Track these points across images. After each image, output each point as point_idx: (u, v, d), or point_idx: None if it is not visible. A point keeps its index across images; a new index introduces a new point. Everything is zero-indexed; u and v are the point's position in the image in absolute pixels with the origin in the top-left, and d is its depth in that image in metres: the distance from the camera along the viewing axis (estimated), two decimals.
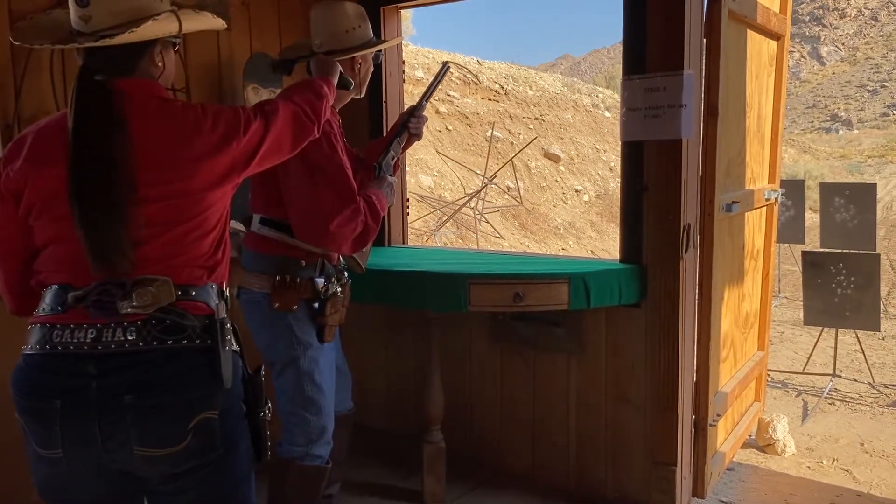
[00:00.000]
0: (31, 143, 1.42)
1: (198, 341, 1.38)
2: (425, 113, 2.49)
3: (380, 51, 2.42)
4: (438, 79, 2.55)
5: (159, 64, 1.47)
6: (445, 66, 2.57)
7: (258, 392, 1.50)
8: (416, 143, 2.54)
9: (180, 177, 1.38)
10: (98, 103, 1.36)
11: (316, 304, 2.14)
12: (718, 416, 2.84)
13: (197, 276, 1.42)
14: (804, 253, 4.56)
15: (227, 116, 1.45)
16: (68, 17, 1.41)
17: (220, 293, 1.48)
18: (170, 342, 1.36)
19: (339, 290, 2.19)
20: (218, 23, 1.54)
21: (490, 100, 12.50)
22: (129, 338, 1.33)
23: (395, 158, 2.40)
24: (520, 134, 12.26)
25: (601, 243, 11.29)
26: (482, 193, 9.69)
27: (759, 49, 3.06)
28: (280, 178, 2.02)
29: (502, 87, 12.97)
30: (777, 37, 3.26)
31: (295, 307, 2.10)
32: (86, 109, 1.36)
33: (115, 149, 1.34)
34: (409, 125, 2.43)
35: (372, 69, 2.35)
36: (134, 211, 1.34)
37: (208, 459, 1.39)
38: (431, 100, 2.55)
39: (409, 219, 3.60)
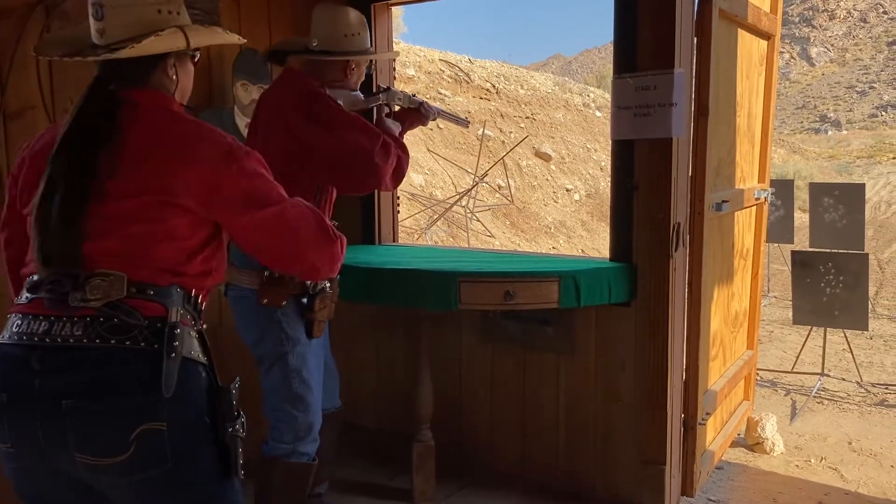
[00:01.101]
0: (41, 136, 1.47)
1: (142, 344, 1.32)
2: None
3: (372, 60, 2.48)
4: (454, 120, 2.77)
5: (173, 77, 1.48)
6: (465, 122, 2.83)
7: (227, 406, 1.41)
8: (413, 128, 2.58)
9: (157, 176, 1.36)
10: (98, 110, 1.39)
11: (304, 300, 2.14)
12: (708, 414, 2.84)
13: (157, 276, 1.37)
14: (793, 252, 4.57)
15: (241, 156, 1.42)
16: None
17: (188, 300, 1.41)
18: (112, 342, 1.31)
19: (327, 285, 2.19)
20: (232, 38, 1.55)
21: (481, 98, 12.49)
22: (76, 333, 1.31)
23: (393, 102, 2.46)
24: (511, 133, 12.26)
25: (591, 242, 11.30)
26: (473, 192, 9.68)
27: (749, 48, 3.06)
28: (307, 162, 2.09)
29: (494, 86, 12.96)
30: (767, 36, 3.27)
31: (284, 303, 2.10)
32: (83, 112, 1.39)
33: (99, 153, 1.35)
34: (422, 106, 2.50)
35: (363, 78, 2.39)
36: (97, 205, 1.34)
37: (157, 473, 1.32)
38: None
39: (400, 217, 3.59)
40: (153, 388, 1.30)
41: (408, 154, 2.25)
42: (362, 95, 2.38)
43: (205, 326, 1.46)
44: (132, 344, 1.31)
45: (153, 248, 1.37)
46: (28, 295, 1.38)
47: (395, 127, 2.37)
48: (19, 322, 1.35)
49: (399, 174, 2.20)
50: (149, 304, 1.35)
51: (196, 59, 1.55)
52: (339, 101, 2.22)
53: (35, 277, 1.37)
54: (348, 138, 2.08)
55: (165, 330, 1.34)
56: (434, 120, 2.57)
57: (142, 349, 1.32)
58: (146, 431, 1.30)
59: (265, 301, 2.09)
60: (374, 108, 2.43)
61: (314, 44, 2.24)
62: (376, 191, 3.20)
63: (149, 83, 1.45)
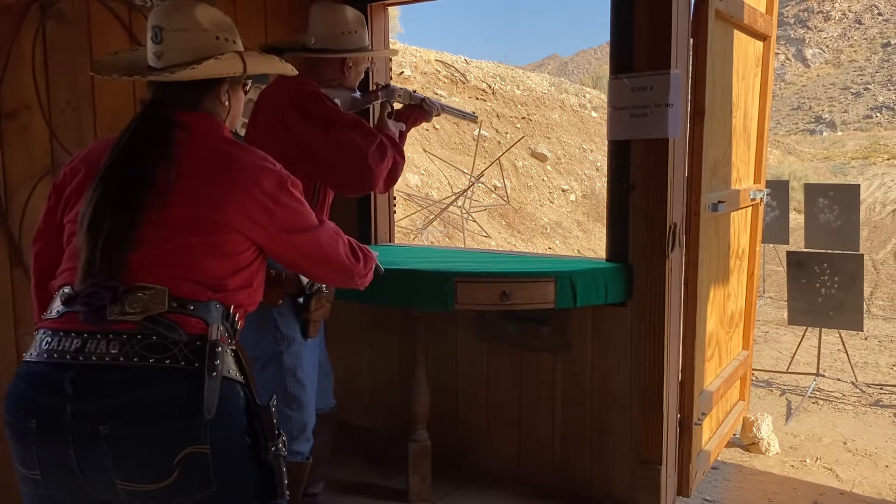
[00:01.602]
0: (92, 149, 1.48)
1: (182, 363, 1.28)
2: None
3: (370, 59, 2.48)
4: (461, 115, 2.74)
5: (225, 102, 1.51)
6: (473, 116, 2.82)
7: (268, 424, 1.37)
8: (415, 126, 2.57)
9: (210, 195, 1.37)
10: (153, 129, 1.41)
11: (301, 300, 2.13)
12: (703, 414, 2.85)
13: (198, 291, 1.35)
14: (789, 253, 4.58)
15: (289, 185, 1.47)
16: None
17: (226, 317, 1.39)
18: (151, 360, 1.26)
19: (324, 286, 2.19)
20: (287, 68, 1.60)
21: (477, 99, 12.49)
22: (112, 351, 1.26)
23: (393, 99, 2.43)
24: (507, 133, 12.26)
25: (587, 243, 11.32)
26: (469, 192, 9.68)
27: (745, 49, 3.07)
28: (303, 162, 2.08)
29: (490, 87, 12.97)
30: (763, 37, 3.27)
31: (280, 302, 2.09)
32: (138, 130, 1.41)
33: (155, 166, 1.36)
34: (425, 102, 2.49)
35: (361, 76, 2.38)
36: (154, 213, 1.34)
37: (200, 497, 1.29)
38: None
39: (396, 217, 3.59)
40: (194, 410, 1.26)
41: (404, 157, 2.24)
42: (360, 94, 2.37)
43: (236, 346, 1.43)
44: (171, 363, 1.27)
45: (205, 261, 1.36)
46: (60, 308, 1.33)
47: (396, 127, 2.34)
48: (49, 339, 1.30)
49: (393, 177, 2.19)
50: (189, 320, 1.32)
51: (247, 88, 1.58)
52: (337, 101, 2.22)
53: (69, 290, 1.33)
54: (342, 138, 2.07)
55: (206, 348, 1.30)
56: (438, 116, 2.56)
57: (181, 368, 1.28)
58: (190, 455, 1.25)
59: (261, 300, 2.09)
60: (374, 107, 2.41)
61: (311, 42, 2.24)
62: (372, 191, 3.20)
63: (201, 107, 1.48)
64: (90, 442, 1.24)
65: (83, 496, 1.30)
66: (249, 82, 1.58)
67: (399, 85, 2.52)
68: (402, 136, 2.42)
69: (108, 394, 1.25)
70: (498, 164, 10.71)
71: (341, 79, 2.28)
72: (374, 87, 2.44)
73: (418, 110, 2.49)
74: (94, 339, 1.28)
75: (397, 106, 2.51)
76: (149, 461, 1.26)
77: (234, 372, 1.36)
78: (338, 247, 1.60)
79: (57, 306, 1.35)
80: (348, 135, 2.08)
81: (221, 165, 1.41)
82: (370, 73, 3.14)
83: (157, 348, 1.28)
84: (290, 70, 1.62)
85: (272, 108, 2.17)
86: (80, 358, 1.27)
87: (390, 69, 3.33)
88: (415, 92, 2.52)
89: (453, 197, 9.46)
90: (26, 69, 2.34)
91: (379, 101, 2.43)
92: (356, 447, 3.16)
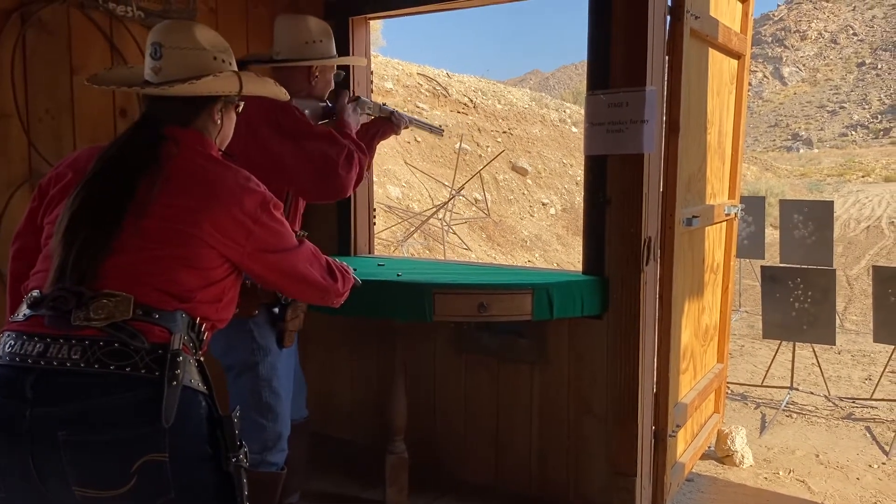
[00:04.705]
0: (82, 152, 1.51)
1: (143, 371, 1.28)
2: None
3: (344, 68, 2.45)
4: (427, 129, 2.76)
5: (218, 121, 1.55)
6: (439, 130, 2.86)
7: (230, 435, 1.38)
8: (385, 139, 2.58)
9: (191, 211, 1.39)
10: (143, 142, 1.43)
11: (276, 309, 2.13)
12: (678, 427, 2.88)
13: (165, 301, 1.36)
14: (763, 268, 4.64)
15: (270, 206, 1.49)
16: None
17: (192, 327, 1.40)
18: (112, 367, 1.27)
19: None
20: (280, 91, 1.66)
21: (459, 112, 12.55)
22: (73, 356, 1.27)
23: (363, 111, 2.43)
24: (488, 147, 12.32)
25: (567, 256, 11.37)
26: (450, 205, 9.71)
27: (720, 67, 3.13)
28: (275, 173, 2.07)
29: (471, 101, 13.04)
30: (738, 56, 3.34)
31: (255, 312, 2.09)
32: (128, 142, 1.44)
33: (139, 178, 1.38)
34: (393, 115, 2.50)
35: (332, 86, 2.37)
36: (133, 221, 1.35)
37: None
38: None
39: (377, 229, 3.60)
40: (153, 418, 1.26)
41: (366, 153, 2.25)
42: (330, 105, 2.37)
43: (203, 357, 1.43)
44: (132, 370, 1.28)
45: (177, 272, 1.38)
46: (27, 312, 1.34)
47: (355, 117, 2.35)
48: (12, 342, 1.31)
49: (360, 178, 2.21)
50: (153, 329, 1.32)
51: (240, 109, 1.62)
52: (306, 112, 2.22)
53: (37, 293, 1.34)
54: (313, 150, 2.08)
55: (167, 357, 1.30)
56: (407, 128, 2.58)
57: (142, 376, 1.28)
58: (148, 463, 1.26)
59: (236, 310, 2.09)
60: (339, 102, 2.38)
61: (276, 52, 2.26)
62: (352, 203, 3.22)
63: (193, 124, 1.50)
64: (49, 447, 1.24)
65: (42, 502, 1.30)
66: (242, 104, 1.61)
67: (370, 99, 2.52)
68: (371, 145, 2.44)
69: (67, 399, 1.25)
70: (479, 178, 10.75)
71: (309, 89, 2.29)
72: (347, 99, 2.44)
73: (387, 123, 2.50)
74: (56, 344, 1.28)
75: (365, 119, 2.51)
76: (107, 468, 1.26)
77: (196, 382, 1.36)
78: (314, 267, 1.63)
79: (24, 309, 1.35)
80: (319, 146, 2.09)
81: (205, 182, 1.43)
82: (351, 85, 3.16)
83: (119, 355, 1.28)
84: (283, 94, 1.66)
85: (243, 121, 2.17)
86: (42, 362, 1.27)
87: (371, 82, 3.34)
88: (384, 105, 2.53)
89: (434, 209, 9.49)
90: (5, 77, 2.34)
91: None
92: (334, 458, 3.15)
